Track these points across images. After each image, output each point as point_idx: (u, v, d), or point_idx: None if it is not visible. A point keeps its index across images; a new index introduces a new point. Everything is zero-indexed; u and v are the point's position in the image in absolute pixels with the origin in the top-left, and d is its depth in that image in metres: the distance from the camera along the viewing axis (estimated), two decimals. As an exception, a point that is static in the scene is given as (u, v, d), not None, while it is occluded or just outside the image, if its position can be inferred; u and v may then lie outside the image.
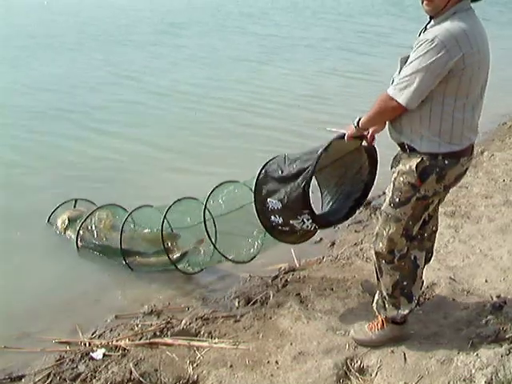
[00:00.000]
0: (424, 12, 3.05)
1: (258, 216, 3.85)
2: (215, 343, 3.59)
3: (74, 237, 5.05)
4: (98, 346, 3.67)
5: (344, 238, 5.12)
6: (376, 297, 3.48)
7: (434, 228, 3.58)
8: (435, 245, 4.50)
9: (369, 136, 3.54)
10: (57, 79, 10.57)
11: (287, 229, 3.79)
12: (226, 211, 4.45)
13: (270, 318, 3.84)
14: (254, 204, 3.84)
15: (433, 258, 4.26)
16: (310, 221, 3.64)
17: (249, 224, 4.28)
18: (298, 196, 3.57)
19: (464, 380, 3.06)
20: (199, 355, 3.46)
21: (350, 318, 3.76)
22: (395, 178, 3.20)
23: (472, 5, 3.01)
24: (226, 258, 4.28)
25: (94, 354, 3.58)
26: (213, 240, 4.32)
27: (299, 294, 4.09)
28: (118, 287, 4.51)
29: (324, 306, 3.91)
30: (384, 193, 3.49)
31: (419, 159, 3.07)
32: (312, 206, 3.67)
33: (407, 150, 3.13)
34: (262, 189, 3.78)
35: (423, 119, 3.03)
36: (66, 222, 5.21)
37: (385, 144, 3.46)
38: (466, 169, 3.17)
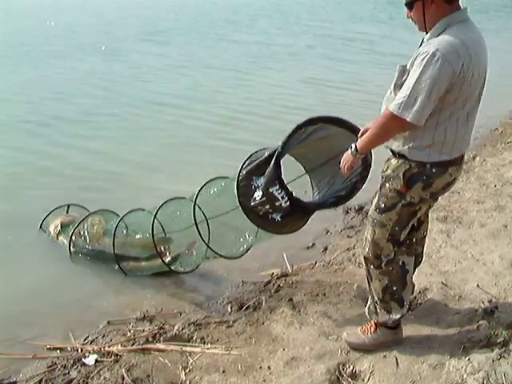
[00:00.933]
0: None
1: (238, 195, 3.88)
2: (208, 349, 3.59)
3: (66, 242, 5.04)
4: (90, 352, 3.65)
5: (337, 243, 5.13)
6: (368, 302, 3.50)
7: (424, 233, 3.60)
8: (427, 250, 4.55)
9: (361, 134, 3.56)
10: (30, 88, 10.54)
11: (268, 207, 3.80)
12: (219, 207, 4.44)
13: (263, 323, 3.84)
14: (236, 184, 3.88)
15: (425, 263, 4.31)
16: (283, 193, 3.72)
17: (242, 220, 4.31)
18: (272, 165, 3.70)
19: (456, 384, 3.07)
20: (192, 361, 3.45)
21: (342, 323, 3.77)
22: (382, 184, 3.23)
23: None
24: (219, 254, 4.28)
25: (86, 360, 3.57)
26: (205, 239, 4.32)
27: (292, 299, 4.10)
28: (111, 293, 4.51)
29: (316, 311, 3.91)
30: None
31: (407, 166, 3.08)
32: (284, 179, 3.77)
33: (397, 155, 3.14)
34: (247, 168, 3.88)
35: (417, 130, 2.99)
36: (59, 227, 5.20)
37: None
38: (455, 178, 3.17)
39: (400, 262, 3.36)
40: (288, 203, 3.74)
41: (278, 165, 3.73)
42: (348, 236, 5.29)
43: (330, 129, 3.84)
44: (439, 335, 3.56)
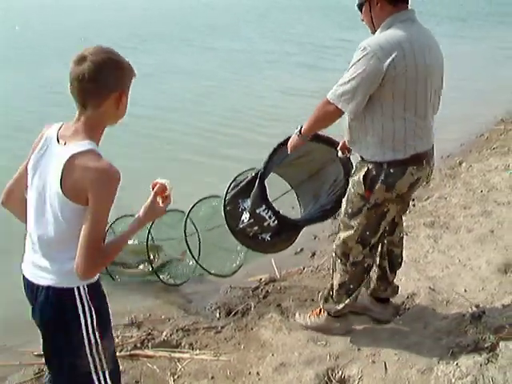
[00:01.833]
0: None
1: (226, 219, 3.90)
2: (196, 355, 3.57)
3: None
4: (77, 359, 3.62)
5: (324, 249, 5.12)
6: (326, 290, 3.63)
7: (400, 235, 3.70)
8: (415, 255, 4.59)
9: (341, 146, 3.61)
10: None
11: (256, 228, 3.81)
12: (210, 223, 4.47)
13: (252, 329, 3.84)
14: (223, 208, 3.89)
15: (412, 268, 4.36)
16: (270, 212, 3.74)
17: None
18: (257, 186, 3.71)
19: (444, 389, 3.09)
20: (180, 367, 3.44)
21: (331, 328, 3.76)
22: (349, 189, 3.32)
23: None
24: (209, 272, 4.31)
25: (73, 366, 3.54)
26: (195, 254, 4.34)
27: (280, 304, 4.10)
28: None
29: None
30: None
31: (366, 168, 3.17)
32: (269, 199, 3.80)
33: (360, 159, 3.25)
34: (232, 192, 3.89)
35: (367, 128, 3.13)
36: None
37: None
38: (419, 178, 3.19)
39: (365, 265, 3.46)
40: (276, 222, 3.77)
41: (262, 185, 3.75)
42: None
43: (308, 145, 3.79)
44: (427, 340, 3.56)
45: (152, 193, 2.34)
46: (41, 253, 2.20)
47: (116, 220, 4.82)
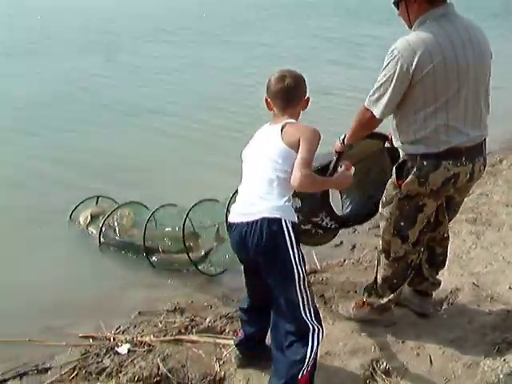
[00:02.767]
0: None
1: None
2: (241, 341, 3.59)
3: (96, 233, 5.09)
4: (122, 342, 3.68)
5: (365, 242, 5.12)
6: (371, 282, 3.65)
7: (444, 234, 3.61)
8: (457, 250, 4.55)
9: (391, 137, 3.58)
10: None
11: (308, 227, 3.79)
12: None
13: (294, 318, 3.84)
14: None
15: (455, 264, 4.33)
16: (329, 218, 3.74)
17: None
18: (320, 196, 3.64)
19: (492, 384, 3.07)
20: (225, 353, 3.46)
21: (374, 320, 3.76)
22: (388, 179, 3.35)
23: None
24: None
25: (119, 349, 3.60)
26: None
27: (323, 295, 4.10)
28: (140, 284, 4.52)
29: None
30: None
31: (401, 160, 3.21)
32: (331, 203, 3.79)
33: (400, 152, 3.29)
34: None
35: (402, 125, 3.14)
36: (89, 218, 5.26)
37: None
38: (456, 174, 3.10)
39: (409, 261, 3.44)
40: (334, 225, 3.82)
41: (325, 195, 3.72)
42: (376, 235, 5.21)
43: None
44: (472, 335, 3.55)
45: (343, 166, 3.02)
46: (257, 195, 2.78)
47: (159, 207, 4.88)
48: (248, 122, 7.61)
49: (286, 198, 2.75)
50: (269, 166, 2.78)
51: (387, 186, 3.32)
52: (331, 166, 3.45)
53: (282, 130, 2.80)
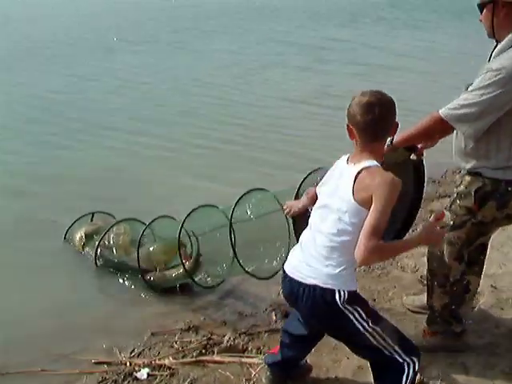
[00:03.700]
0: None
1: (294, 224, 3.69)
2: (267, 359, 3.45)
3: (92, 254, 4.84)
4: (140, 366, 3.49)
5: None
6: (429, 311, 3.46)
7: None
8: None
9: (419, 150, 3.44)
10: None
11: None
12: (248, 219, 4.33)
13: (317, 331, 3.72)
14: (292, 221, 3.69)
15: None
16: None
17: (270, 235, 4.21)
18: None
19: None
20: (254, 372, 3.31)
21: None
22: (453, 200, 3.14)
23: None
24: (245, 270, 4.14)
25: (138, 374, 3.41)
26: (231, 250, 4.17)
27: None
28: (147, 303, 4.32)
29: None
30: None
31: (480, 183, 2.99)
32: None
33: (471, 172, 3.05)
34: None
35: (491, 148, 2.93)
36: (83, 238, 5.01)
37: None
38: None
39: (465, 282, 3.30)
40: None
41: None
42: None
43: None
44: (502, 340, 3.50)
45: (433, 217, 2.69)
46: (315, 257, 2.58)
47: (153, 221, 4.66)
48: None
49: (344, 266, 2.53)
50: (334, 224, 2.50)
51: (456, 208, 3.10)
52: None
53: (355, 179, 2.44)
